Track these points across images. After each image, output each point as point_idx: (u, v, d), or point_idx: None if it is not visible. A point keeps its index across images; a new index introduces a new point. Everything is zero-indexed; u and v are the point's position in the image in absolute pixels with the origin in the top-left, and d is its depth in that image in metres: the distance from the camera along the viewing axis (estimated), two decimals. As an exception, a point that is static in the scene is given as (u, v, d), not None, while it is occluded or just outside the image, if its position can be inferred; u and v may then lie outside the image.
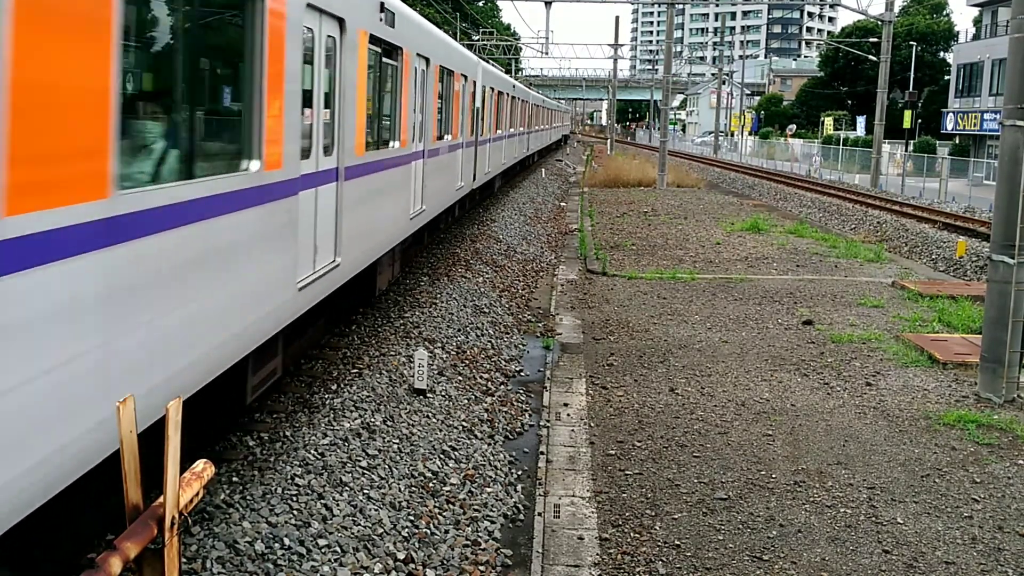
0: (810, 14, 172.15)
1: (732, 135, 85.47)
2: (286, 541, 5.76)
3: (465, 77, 18.48)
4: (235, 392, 6.78)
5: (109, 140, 4.43)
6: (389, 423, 8.21)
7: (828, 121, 75.76)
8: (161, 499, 4.15)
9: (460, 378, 10.23)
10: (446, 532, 6.62)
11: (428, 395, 9.25)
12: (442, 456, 7.92)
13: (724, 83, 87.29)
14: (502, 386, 10.45)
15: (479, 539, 6.60)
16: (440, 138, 15.79)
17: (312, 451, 7.16)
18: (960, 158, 45.37)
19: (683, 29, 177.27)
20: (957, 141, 58.10)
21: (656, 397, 10.22)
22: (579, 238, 23.32)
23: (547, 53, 62.03)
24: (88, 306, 4.36)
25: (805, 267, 19.56)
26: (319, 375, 9.38)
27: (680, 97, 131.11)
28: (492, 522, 6.94)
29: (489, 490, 7.51)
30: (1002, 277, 10.32)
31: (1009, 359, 10.28)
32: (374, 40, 10.04)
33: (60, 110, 4.06)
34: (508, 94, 28.58)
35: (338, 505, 6.43)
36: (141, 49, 5.05)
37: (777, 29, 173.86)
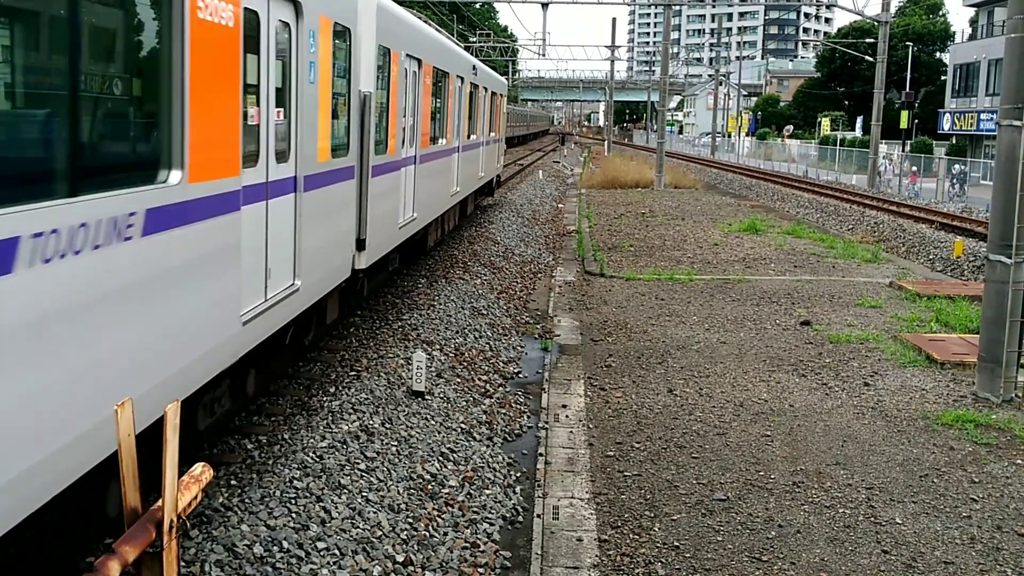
0: (807, 15, 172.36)
1: (729, 136, 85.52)
2: (285, 544, 5.76)
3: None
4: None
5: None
6: (387, 425, 8.21)
7: (825, 122, 75.83)
8: (160, 502, 4.14)
9: (458, 380, 10.22)
10: (445, 534, 6.62)
11: (426, 397, 9.25)
12: (441, 458, 7.92)
13: (721, 84, 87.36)
14: (500, 388, 10.45)
15: (478, 541, 6.60)
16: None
17: (310, 454, 7.16)
18: (957, 158, 45.38)
19: (680, 30, 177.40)
20: (954, 141, 58.16)
21: (654, 398, 10.22)
22: (577, 239, 23.33)
23: (544, 55, 62.14)
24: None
25: (803, 268, 19.57)
26: (317, 377, 9.37)
27: (677, 98, 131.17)
28: (491, 524, 6.94)
29: (488, 492, 7.51)
30: (999, 277, 10.33)
31: (1007, 359, 10.30)
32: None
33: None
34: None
35: (337, 508, 6.42)
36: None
37: (774, 30, 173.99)
